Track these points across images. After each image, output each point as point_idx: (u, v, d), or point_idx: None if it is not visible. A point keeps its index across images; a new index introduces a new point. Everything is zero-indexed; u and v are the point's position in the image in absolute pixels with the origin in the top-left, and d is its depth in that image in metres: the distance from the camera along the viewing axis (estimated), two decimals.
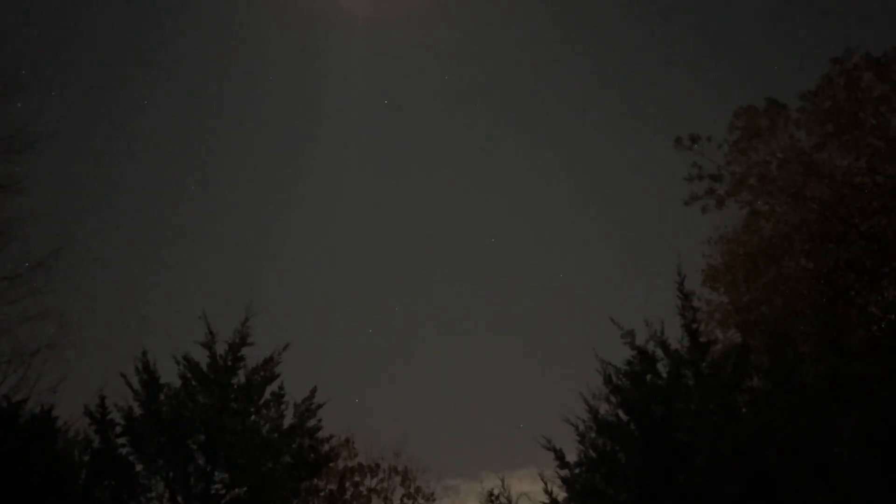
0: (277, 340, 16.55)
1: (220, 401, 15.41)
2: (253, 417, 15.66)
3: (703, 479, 12.50)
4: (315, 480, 17.13)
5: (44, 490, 13.98)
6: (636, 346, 13.76)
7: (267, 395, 15.86)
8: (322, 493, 20.34)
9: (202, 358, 15.77)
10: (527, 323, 40.16)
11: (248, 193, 40.99)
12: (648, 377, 13.60)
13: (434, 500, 25.62)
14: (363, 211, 41.25)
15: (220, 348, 15.82)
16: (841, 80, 19.38)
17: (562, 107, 41.34)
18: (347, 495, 24.48)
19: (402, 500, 25.49)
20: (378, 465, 25.61)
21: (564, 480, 13.57)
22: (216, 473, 15.07)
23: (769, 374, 13.85)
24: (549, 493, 13.65)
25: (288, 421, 15.86)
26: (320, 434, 16.07)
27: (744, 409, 13.54)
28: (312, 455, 15.84)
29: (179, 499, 14.97)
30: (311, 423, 15.95)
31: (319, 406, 16.07)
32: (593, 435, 13.62)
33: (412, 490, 25.55)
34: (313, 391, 16.15)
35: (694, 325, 13.90)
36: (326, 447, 16.26)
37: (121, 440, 15.31)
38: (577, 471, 13.58)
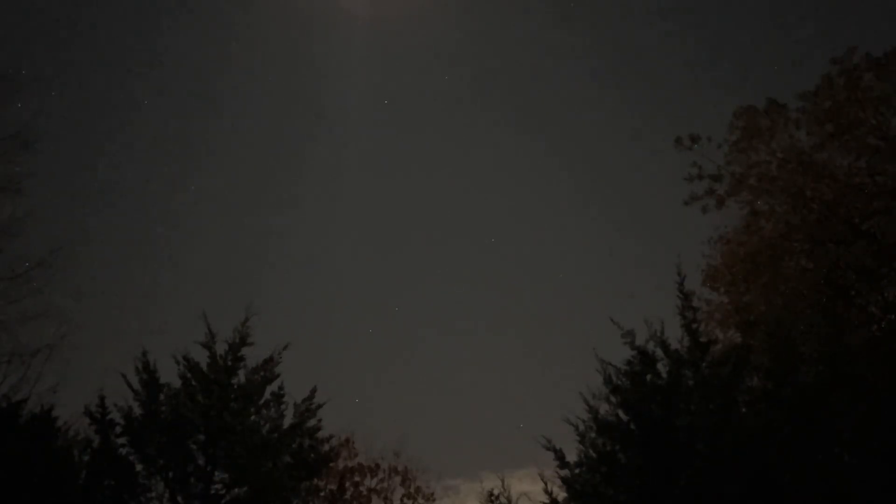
0: (277, 340, 16.58)
1: (220, 401, 15.41)
2: (253, 417, 15.67)
3: (703, 479, 12.50)
4: (315, 480, 17.13)
5: (44, 490, 13.98)
6: (636, 346, 13.76)
7: (267, 395, 15.87)
8: (322, 493, 20.34)
9: (202, 358, 15.80)
10: (527, 323, 40.21)
11: (248, 193, 41.03)
12: (648, 377, 13.60)
13: (434, 500, 25.63)
14: (363, 211, 41.30)
15: (220, 348, 15.85)
16: (841, 80, 19.38)
17: (562, 107, 41.38)
18: (347, 495, 24.48)
19: (402, 500, 25.50)
20: (378, 465, 25.61)
21: (564, 480, 13.57)
22: (216, 473, 15.07)
23: (769, 374, 13.85)
24: (549, 493, 13.66)
25: (288, 421, 15.88)
26: (320, 434, 16.09)
27: (744, 409, 13.54)
28: (312, 455, 15.85)
29: (179, 499, 14.97)
30: (311, 423, 15.96)
31: (319, 406, 16.08)
32: (593, 435, 13.62)
33: (412, 490, 25.55)
34: (313, 391, 16.17)
35: (694, 325, 13.90)
36: (326, 447, 16.27)
37: (121, 440, 15.32)
38: (577, 471, 13.59)
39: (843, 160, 19.65)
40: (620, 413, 13.57)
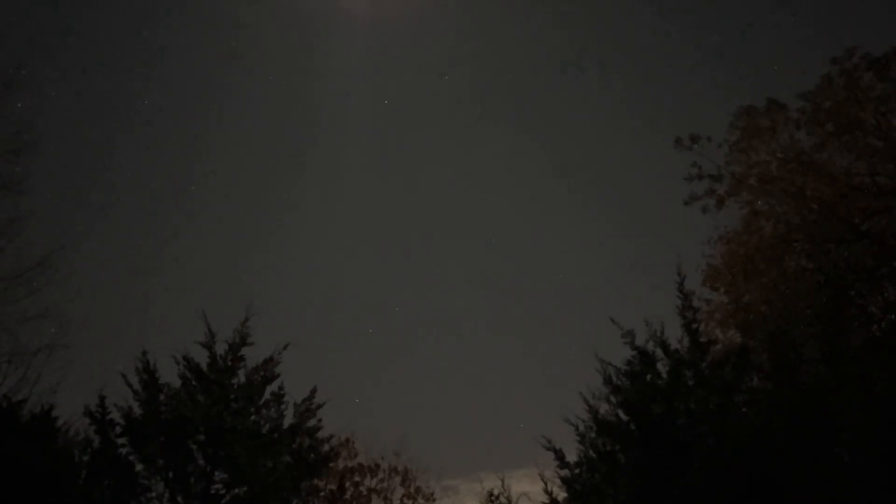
0: (277, 340, 16.54)
1: (220, 401, 15.40)
2: (253, 417, 15.66)
3: (703, 479, 12.50)
4: (315, 480, 17.11)
5: (44, 490, 13.97)
6: (636, 346, 13.77)
7: (267, 395, 15.85)
8: (322, 493, 20.32)
9: (202, 358, 15.78)
10: (527, 323, 40.17)
11: (248, 193, 41.00)
12: (648, 377, 13.60)
13: (434, 500, 25.64)
14: (363, 211, 41.25)
15: (220, 348, 15.83)
16: (841, 80, 19.39)
17: (562, 107, 41.34)
18: (347, 495, 24.48)
19: (402, 500, 25.50)
20: (378, 465, 25.62)
21: (564, 480, 13.57)
22: (216, 473, 15.06)
23: (769, 374, 13.86)
24: (549, 493, 13.66)
25: (288, 421, 15.86)
26: (320, 434, 16.07)
27: (744, 409, 13.54)
28: (312, 455, 15.84)
29: (179, 499, 14.96)
30: (311, 423, 15.95)
31: (319, 406, 16.07)
32: (593, 435, 13.62)
33: (412, 490, 25.56)
34: (313, 391, 16.16)
35: (694, 325, 13.90)
36: (326, 447, 16.25)
37: (121, 440, 15.30)
38: (577, 471, 13.59)
39: (843, 160, 19.67)
40: (620, 413, 13.57)
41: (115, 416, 15.40)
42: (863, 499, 12.42)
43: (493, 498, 14.08)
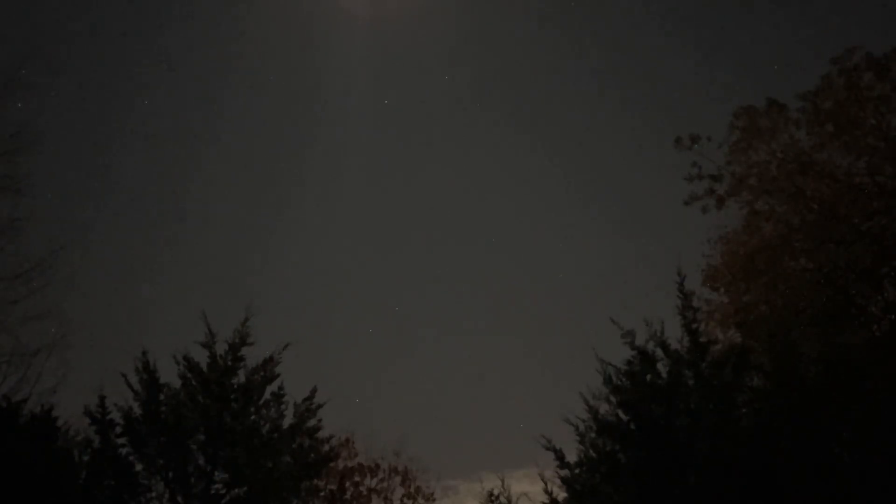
0: (277, 340, 16.56)
1: (220, 401, 15.41)
2: (253, 417, 15.66)
3: (703, 479, 12.50)
4: (315, 480, 17.12)
5: (44, 490, 13.98)
6: (636, 346, 13.77)
7: (267, 395, 15.86)
8: (322, 493, 20.34)
9: (202, 358, 15.80)
10: (527, 323, 40.20)
11: (249, 193, 41.04)
12: (648, 377, 13.60)
13: (434, 500, 25.65)
14: (363, 211, 41.29)
15: (220, 348, 15.85)
16: (841, 80, 19.37)
17: (562, 107, 41.36)
18: (347, 495, 24.50)
19: (402, 500, 25.52)
20: (378, 465, 25.63)
21: (564, 480, 13.58)
22: (216, 473, 15.07)
23: (769, 374, 13.86)
24: (549, 493, 13.67)
25: (288, 421, 15.88)
26: (320, 434, 16.09)
27: (744, 409, 13.54)
28: (312, 455, 15.85)
29: (179, 499, 14.97)
30: (311, 423, 15.96)
31: (319, 406, 16.08)
32: (593, 435, 13.62)
33: (412, 490, 25.57)
34: (313, 391, 16.17)
35: (694, 325, 13.90)
36: (326, 447, 16.27)
37: (121, 440, 15.31)
38: (577, 471, 13.59)
39: (843, 160, 19.64)
40: (620, 413, 13.57)
41: (115, 416, 15.43)
42: (863, 499, 12.42)
43: (493, 498, 14.09)
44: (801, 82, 20.86)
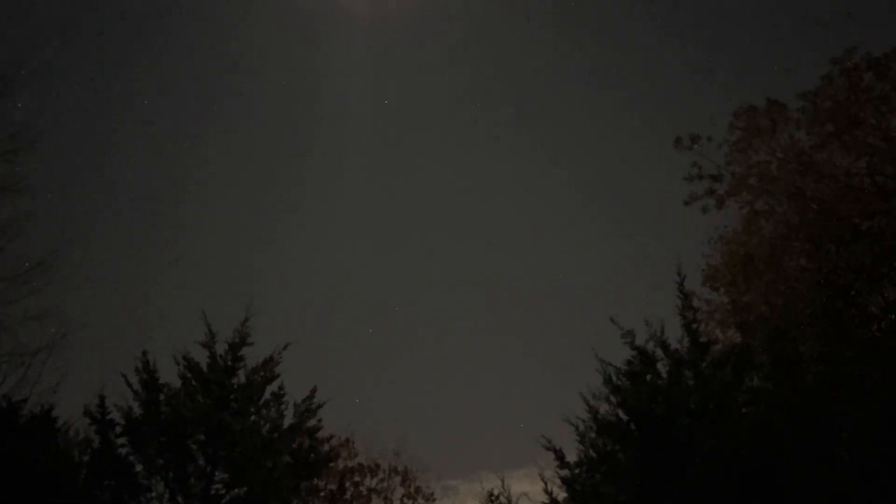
0: (277, 340, 16.57)
1: (220, 401, 15.41)
2: (253, 417, 15.66)
3: (703, 479, 12.50)
4: (315, 480, 17.12)
5: (44, 490, 13.98)
6: (636, 346, 13.76)
7: (267, 395, 15.86)
8: (322, 493, 20.33)
9: (202, 358, 15.80)
10: (527, 323, 40.20)
11: (249, 193, 41.02)
12: (648, 377, 13.59)
13: (434, 500, 25.65)
14: (363, 211, 41.26)
15: (220, 348, 15.85)
16: (841, 80, 19.38)
17: (562, 107, 41.35)
18: (347, 495, 24.50)
19: (402, 500, 25.52)
20: (378, 465, 25.63)
21: (564, 480, 13.57)
22: (216, 473, 15.07)
23: (769, 374, 13.84)
24: (549, 493, 13.66)
25: (288, 421, 15.87)
26: (320, 434, 16.09)
27: (744, 409, 13.53)
28: (312, 455, 15.85)
29: (179, 499, 14.97)
30: (311, 423, 15.96)
31: (319, 406, 16.08)
32: (593, 435, 13.62)
33: (412, 490, 25.57)
34: (313, 391, 16.17)
35: (694, 325, 13.90)
36: (326, 447, 16.27)
37: (121, 440, 15.32)
38: (577, 471, 13.59)
39: (843, 160, 19.65)
40: (620, 413, 13.56)
41: (115, 416, 15.43)
42: (863, 499, 12.42)
43: (493, 498, 14.08)
44: (801, 82, 20.85)
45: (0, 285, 16.71)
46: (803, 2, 38.37)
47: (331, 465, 18.93)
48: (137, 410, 15.40)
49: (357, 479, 25.18)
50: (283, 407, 15.88)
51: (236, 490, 15.05)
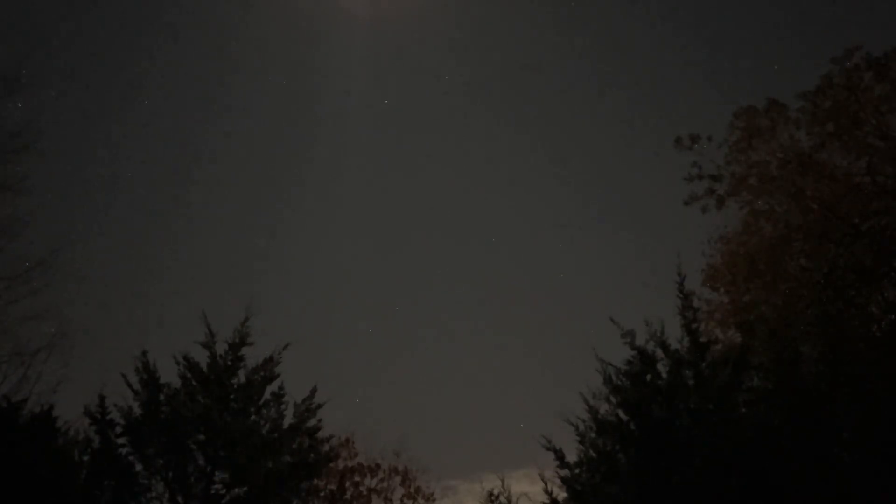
0: (277, 340, 16.57)
1: (220, 401, 15.41)
2: (253, 417, 15.67)
3: (703, 479, 12.50)
4: (315, 480, 17.13)
5: (44, 490, 13.98)
6: (636, 346, 13.76)
7: (267, 395, 15.87)
8: (322, 493, 20.34)
9: (202, 358, 15.81)
10: (527, 322, 40.22)
11: (249, 193, 41.02)
12: (648, 377, 13.59)
13: (434, 500, 25.64)
14: (363, 211, 41.28)
15: (220, 348, 15.86)
16: (841, 80, 19.37)
17: (562, 107, 41.35)
18: (347, 495, 24.48)
19: (402, 500, 25.50)
20: (378, 465, 25.61)
21: (564, 480, 13.57)
22: (216, 473, 15.07)
23: (769, 374, 13.84)
24: (549, 493, 13.66)
25: (288, 421, 15.88)
26: (320, 434, 16.10)
27: (743, 409, 13.53)
28: (312, 455, 15.85)
29: (179, 499, 14.97)
30: (311, 422, 15.96)
31: (319, 406, 16.09)
32: (593, 435, 13.62)
33: (412, 490, 25.55)
34: (313, 391, 16.18)
35: (694, 325, 13.89)
36: (326, 447, 16.27)
37: (121, 440, 15.32)
38: (577, 471, 13.59)
39: (843, 160, 19.65)
40: (620, 413, 13.56)
41: (115, 416, 15.44)
42: (863, 499, 12.42)
43: (493, 498, 14.08)
44: (801, 82, 20.84)
45: (0, 285, 16.73)
46: (803, 2, 38.40)
47: (331, 465, 18.95)
48: (137, 410, 15.40)
49: (357, 479, 25.16)
50: (283, 407, 15.89)
51: (236, 490, 15.05)
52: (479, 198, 41.32)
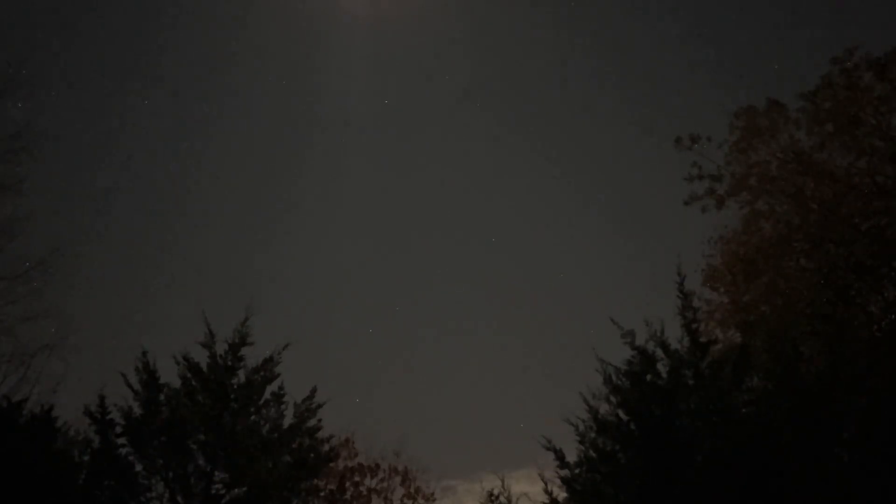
0: (277, 340, 16.57)
1: (220, 401, 15.41)
2: (253, 417, 15.67)
3: (703, 479, 12.50)
4: (315, 480, 17.12)
5: (44, 490, 13.98)
6: (636, 346, 13.75)
7: (267, 395, 15.87)
8: (322, 493, 20.33)
9: (202, 358, 15.81)
10: (527, 322, 40.23)
11: (248, 193, 41.02)
12: (648, 377, 13.58)
13: (434, 500, 25.65)
14: (363, 211, 41.27)
15: (220, 348, 15.85)
16: (841, 80, 19.38)
17: (562, 107, 41.35)
18: (347, 495, 24.49)
19: (402, 500, 25.51)
20: (378, 465, 25.63)
21: (564, 480, 13.57)
22: (216, 473, 15.08)
23: (769, 374, 13.84)
24: (549, 493, 13.65)
25: (288, 421, 15.88)
26: (320, 434, 16.10)
27: (744, 409, 13.53)
28: (312, 455, 15.85)
29: (179, 499, 14.97)
30: (311, 423, 15.96)
31: (319, 406, 16.08)
32: (593, 435, 13.61)
33: (412, 490, 25.57)
34: (313, 391, 16.17)
35: (694, 325, 13.88)
36: (326, 447, 16.27)
37: (121, 440, 15.32)
38: (577, 471, 13.58)
39: (843, 160, 19.66)
40: (620, 413, 13.56)
41: (115, 416, 15.43)
42: (863, 499, 12.42)
43: (492, 498, 14.07)
44: (801, 82, 20.84)
45: (0, 285, 16.73)
46: (803, 2, 38.40)
47: (331, 465, 18.93)
48: (137, 410, 15.40)
49: (357, 479, 25.18)
50: (283, 407, 15.89)
51: (236, 490, 15.06)
52: (479, 198, 41.33)
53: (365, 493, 25.19)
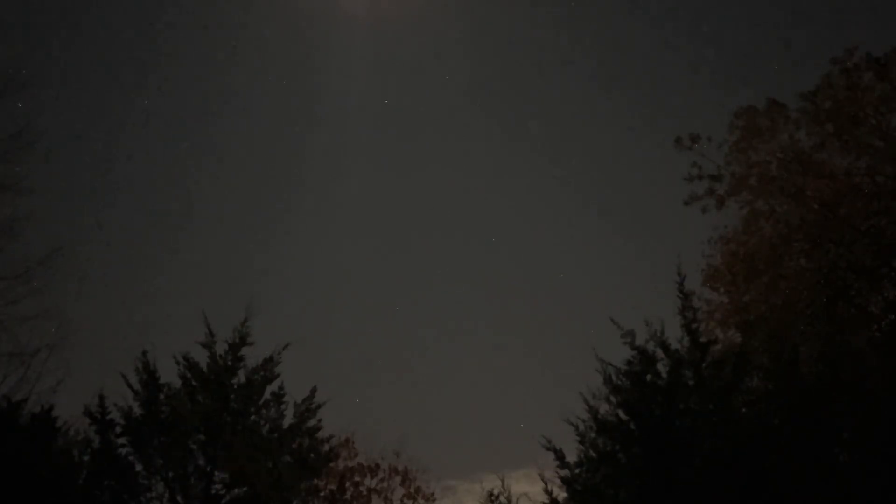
0: (277, 340, 16.58)
1: (220, 401, 15.43)
2: (253, 417, 15.69)
3: (703, 479, 12.50)
4: (315, 480, 17.14)
5: (44, 490, 13.99)
6: (636, 346, 13.76)
7: (267, 395, 15.88)
8: (322, 493, 20.33)
9: (202, 358, 15.83)
10: (527, 323, 40.20)
11: (249, 193, 41.01)
12: (648, 377, 13.59)
13: (434, 500, 25.62)
14: (363, 211, 41.27)
15: (220, 348, 15.88)
16: (841, 80, 19.37)
17: (562, 107, 41.34)
18: (347, 495, 24.45)
19: (402, 500, 25.48)
20: (378, 465, 25.55)
21: (564, 480, 13.57)
22: (216, 473, 15.09)
23: (769, 374, 13.85)
24: (549, 493, 13.65)
25: (288, 421, 15.90)
26: (320, 434, 16.13)
27: (743, 409, 13.54)
28: (312, 455, 15.87)
29: (179, 499, 14.98)
30: (311, 423, 15.99)
31: (319, 406, 16.11)
32: (593, 435, 13.62)
33: (412, 490, 25.53)
34: (313, 391, 16.20)
35: (694, 325, 13.89)
36: (326, 447, 16.29)
37: (121, 440, 15.33)
38: (577, 471, 13.59)
39: (843, 160, 19.63)
40: (620, 413, 13.56)
41: (115, 416, 15.46)
42: (863, 499, 12.42)
43: (492, 498, 14.07)
44: (801, 82, 20.83)
45: (0, 285, 16.73)
46: (803, 2, 38.40)
47: (331, 465, 18.93)
48: (137, 410, 15.42)
49: (357, 479, 25.13)
50: (283, 407, 15.91)
51: (236, 490, 15.07)
52: (479, 198, 41.30)
53: (365, 493, 25.16)
